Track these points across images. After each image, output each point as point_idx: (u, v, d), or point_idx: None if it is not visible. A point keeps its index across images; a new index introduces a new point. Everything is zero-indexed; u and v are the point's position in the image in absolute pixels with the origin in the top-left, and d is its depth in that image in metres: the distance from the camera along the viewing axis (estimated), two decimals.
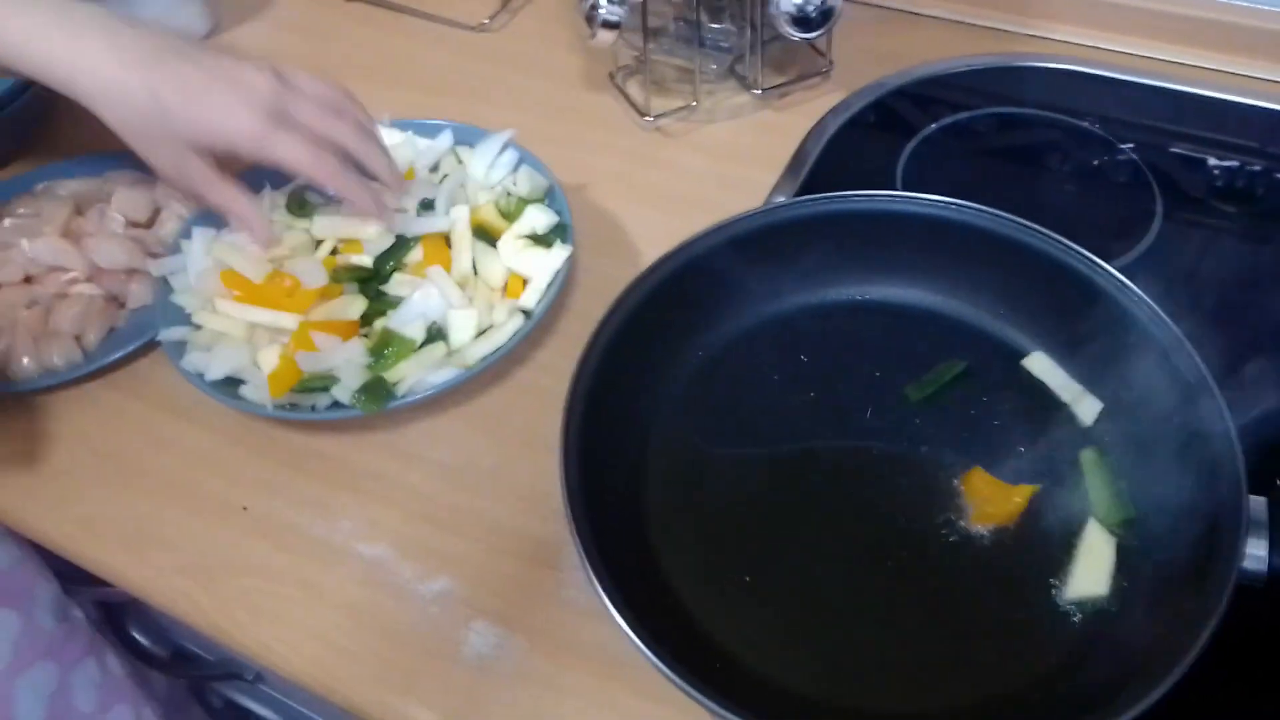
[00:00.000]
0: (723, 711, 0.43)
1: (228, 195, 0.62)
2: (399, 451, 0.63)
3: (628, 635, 0.45)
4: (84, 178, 0.77)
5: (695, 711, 0.45)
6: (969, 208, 0.60)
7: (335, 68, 0.90)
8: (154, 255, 0.71)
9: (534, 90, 0.87)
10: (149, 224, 0.74)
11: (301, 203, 0.70)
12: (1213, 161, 0.75)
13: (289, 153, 0.59)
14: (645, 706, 0.50)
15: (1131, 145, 0.76)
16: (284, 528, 0.59)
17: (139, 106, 0.58)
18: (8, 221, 0.73)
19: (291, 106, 0.60)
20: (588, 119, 0.83)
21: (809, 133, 0.80)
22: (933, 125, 0.79)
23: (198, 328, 0.65)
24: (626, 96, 0.84)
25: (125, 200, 0.73)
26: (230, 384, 0.62)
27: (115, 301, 0.70)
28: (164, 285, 0.68)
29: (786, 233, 0.62)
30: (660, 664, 0.44)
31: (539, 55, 0.90)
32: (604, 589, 0.46)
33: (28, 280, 0.70)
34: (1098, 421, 0.57)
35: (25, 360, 0.66)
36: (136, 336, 0.67)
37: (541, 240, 0.67)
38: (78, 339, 0.67)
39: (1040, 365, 0.60)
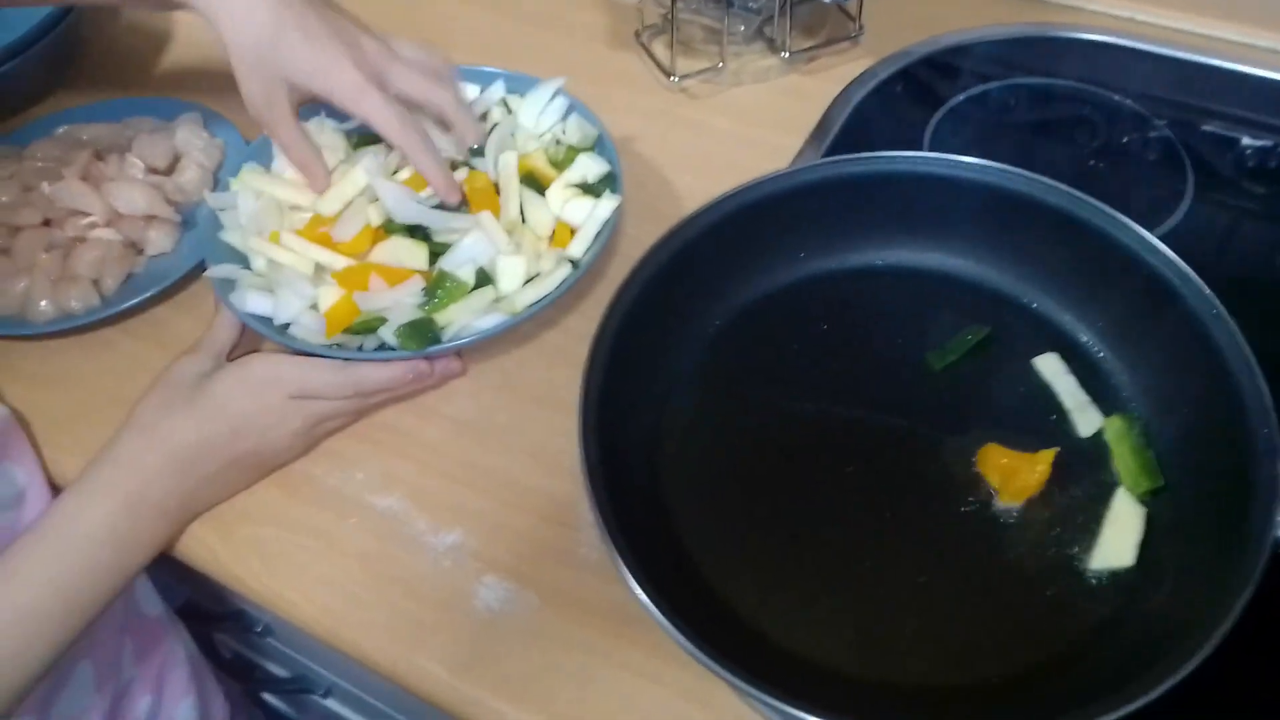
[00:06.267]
0: (744, 684, 0.43)
1: (296, 140, 0.65)
2: (415, 406, 0.63)
3: (645, 605, 0.45)
4: (105, 122, 0.77)
5: (708, 673, 0.45)
6: (990, 166, 0.59)
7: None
8: (173, 202, 0.71)
9: (557, 48, 0.86)
10: (168, 171, 0.73)
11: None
12: (1246, 141, 0.73)
13: (380, 114, 0.62)
14: (658, 665, 0.51)
15: (1165, 122, 0.74)
16: (299, 478, 0.60)
17: (260, 34, 0.61)
18: (28, 164, 0.73)
19: (393, 75, 0.64)
20: (612, 78, 0.82)
21: (835, 99, 0.79)
22: (961, 95, 0.78)
23: (247, 267, 0.64)
24: (652, 56, 0.83)
25: (145, 146, 0.73)
26: (264, 322, 0.61)
27: (134, 247, 0.70)
28: (213, 220, 0.66)
29: (806, 197, 0.61)
30: (674, 629, 0.44)
31: (563, 12, 0.89)
32: (620, 554, 0.46)
33: (47, 223, 0.70)
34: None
35: (43, 303, 0.66)
36: (155, 283, 0.67)
37: (590, 190, 0.66)
38: (95, 284, 0.67)
39: (1050, 367, 0.58)
